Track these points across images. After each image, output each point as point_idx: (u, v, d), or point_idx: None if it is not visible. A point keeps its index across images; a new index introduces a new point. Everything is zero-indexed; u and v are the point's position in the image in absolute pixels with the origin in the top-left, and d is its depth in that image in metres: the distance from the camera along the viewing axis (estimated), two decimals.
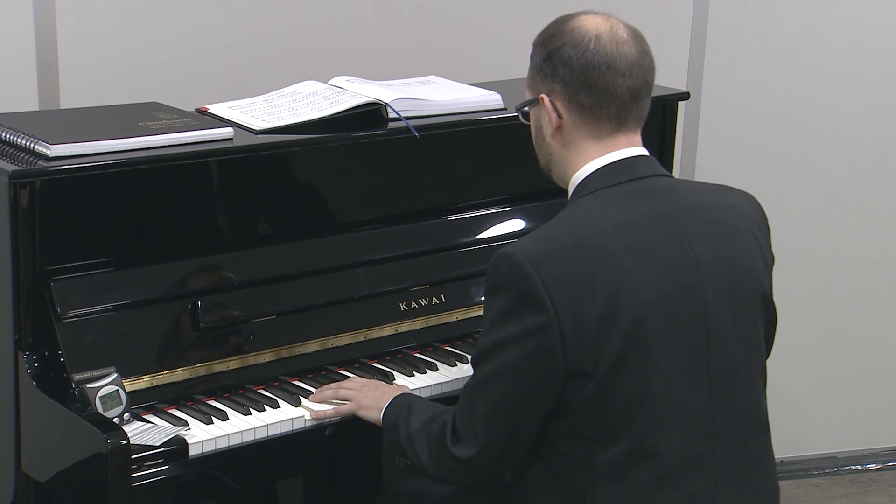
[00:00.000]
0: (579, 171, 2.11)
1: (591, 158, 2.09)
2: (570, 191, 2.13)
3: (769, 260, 2.18)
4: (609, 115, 2.07)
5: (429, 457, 2.13)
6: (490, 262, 2.03)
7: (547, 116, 2.11)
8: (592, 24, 2.08)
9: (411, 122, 2.63)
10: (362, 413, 2.32)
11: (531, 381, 1.99)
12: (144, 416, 2.30)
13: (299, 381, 2.48)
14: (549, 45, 2.10)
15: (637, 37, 2.10)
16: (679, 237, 2.04)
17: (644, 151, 2.12)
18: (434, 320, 2.67)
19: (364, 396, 2.33)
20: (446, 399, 2.36)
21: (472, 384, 2.07)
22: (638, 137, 2.12)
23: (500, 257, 2.00)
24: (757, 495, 2.11)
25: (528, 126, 2.21)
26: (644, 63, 2.09)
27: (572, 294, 1.95)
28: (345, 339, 2.57)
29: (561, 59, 2.07)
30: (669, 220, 2.05)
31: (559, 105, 2.09)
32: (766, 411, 2.14)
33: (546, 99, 2.10)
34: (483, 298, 2.64)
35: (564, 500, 2.05)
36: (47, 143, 2.30)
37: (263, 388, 2.44)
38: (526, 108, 2.18)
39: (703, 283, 2.04)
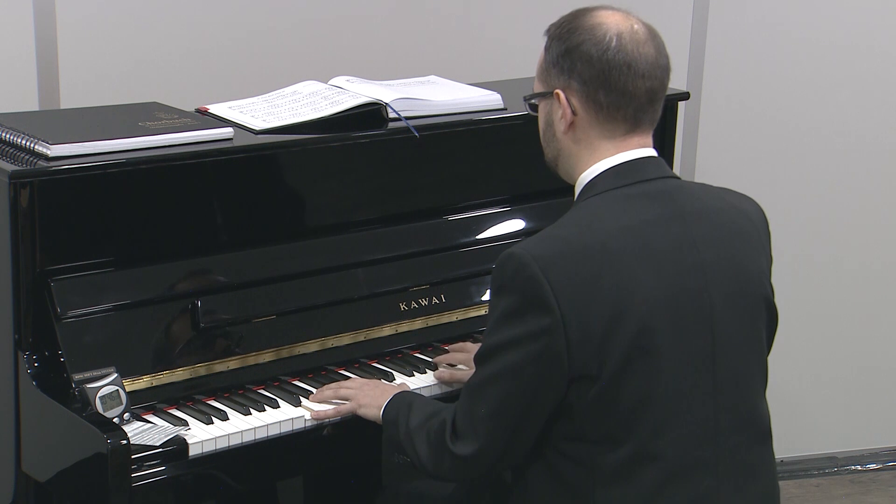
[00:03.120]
0: (588, 171, 2.09)
1: (601, 158, 2.08)
2: (578, 190, 2.11)
3: (770, 261, 2.18)
4: (625, 115, 2.06)
5: (428, 454, 2.12)
6: (497, 261, 2.02)
7: (560, 112, 2.08)
8: (613, 22, 2.06)
9: (411, 122, 2.62)
10: (362, 411, 2.32)
11: (534, 383, 1.98)
12: (144, 416, 2.30)
13: (299, 381, 2.48)
14: (568, 41, 2.06)
15: (655, 36, 2.08)
16: (686, 241, 2.03)
17: (653, 153, 2.11)
18: (434, 320, 2.67)
19: (363, 395, 2.33)
20: (446, 399, 2.36)
21: (474, 383, 2.07)
22: (649, 139, 2.11)
23: (507, 258, 1.99)
24: (758, 499, 2.11)
25: (529, 124, 2.19)
26: (661, 64, 2.07)
27: (579, 297, 1.94)
28: (345, 339, 2.57)
29: (581, 56, 2.04)
30: (677, 223, 2.04)
31: (575, 101, 2.07)
32: (769, 416, 2.14)
33: (562, 94, 2.07)
34: (483, 298, 2.67)
35: (566, 502, 2.04)
36: (47, 143, 2.30)
37: (263, 388, 2.44)
38: (535, 101, 2.15)
39: (709, 288, 2.03)
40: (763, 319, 2.11)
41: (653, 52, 2.06)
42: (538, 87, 2.14)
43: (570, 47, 2.05)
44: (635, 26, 2.06)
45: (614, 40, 2.03)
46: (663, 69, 2.08)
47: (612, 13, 2.08)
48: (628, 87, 2.04)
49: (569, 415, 2.00)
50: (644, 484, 2.00)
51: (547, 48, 2.11)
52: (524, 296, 1.96)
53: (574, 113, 2.07)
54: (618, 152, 2.07)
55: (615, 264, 1.97)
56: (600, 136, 2.07)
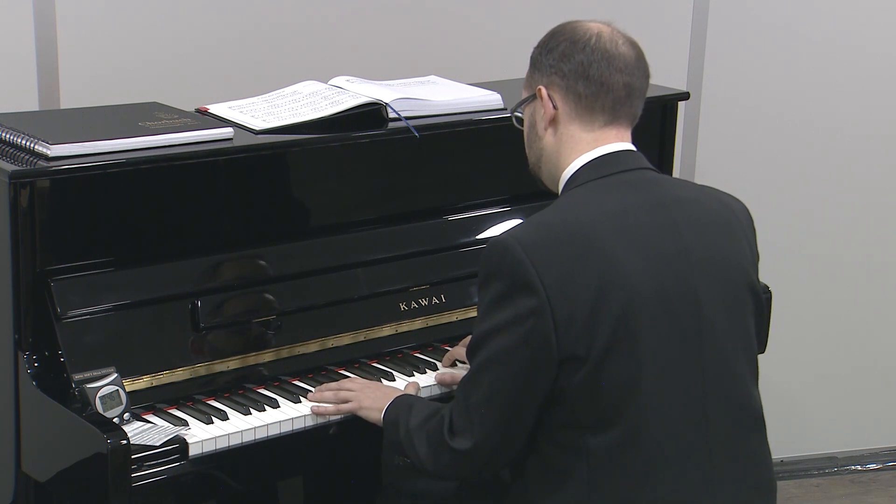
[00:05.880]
0: (569, 167, 2.14)
1: (581, 152, 2.13)
2: (561, 187, 2.16)
3: (756, 256, 2.19)
4: (603, 106, 2.11)
5: (427, 452, 2.13)
6: (483, 251, 2.05)
7: (542, 110, 2.15)
8: (594, 25, 2.15)
9: (411, 122, 2.63)
10: (363, 413, 2.32)
11: (524, 367, 2.00)
12: (144, 416, 2.30)
13: (299, 381, 2.48)
14: (550, 43, 2.16)
15: (635, 45, 2.16)
16: (670, 227, 2.07)
17: (632, 147, 2.16)
18: (434, 320, 2.67)
19: (365, 397, 2.34)
20: (446, 399, 2.36)
21: (467, 375, 2.09)
22: (628, 135, 2.16)
23: (493, 245, 2.03)
24: (753, 488, 2.12)
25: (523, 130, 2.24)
26: (640, 66, 2.15)
27: (564, 279, 1.97)
28: (345, 339, 2.57)
29: (562, 53, 2.13)
30: (659, 210, 2.08)
31: (556, 96, 2.14)
32: (761, 405, 2.15)
33: (543, 90, 2.14)
34: None
35: (561, 490, 2.05)
36: (47, 143, 2.30)
37: (263, 388, 2.44)
38: (519, 113, 2.23)
39: (693, 272, 2.06)
40: (749, 307, 2.13)
41: (632, 54, 2.14)
42: (523, 96, 2.22)
43: (552, 47, 2.15)
44: (616, 33, 2.15)
45: (594, 38, 2.13)
46: (642, 71, 2.15)
47: (594, 22, 2.17)
48: (606, 79, 2.11)
49: (561, 400, 2.02)
50: (636, 469, 2.01)
51: (532, 58, 2.20)
52: (510, 279, 1.99)
53: (555, 107, 2.14)
54: (597, 145, 2.13)
55: (598, 247, 2.00)
56: (580, 128, 2.13)
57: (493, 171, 2.86)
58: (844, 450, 4.03)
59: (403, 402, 2.25)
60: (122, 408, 2.24)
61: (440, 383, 2.49)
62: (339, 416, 2.36)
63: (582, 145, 2.13)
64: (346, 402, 2.36)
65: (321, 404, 2.36)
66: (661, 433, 2.02)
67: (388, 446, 2.25)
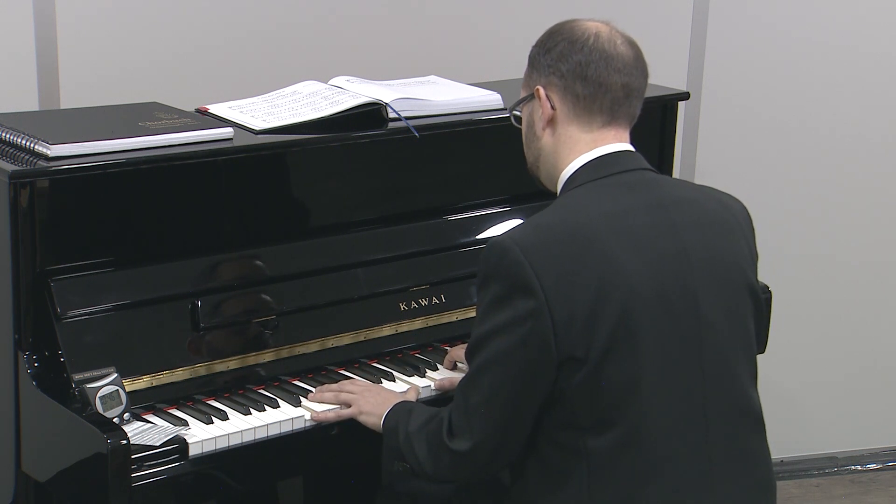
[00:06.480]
0: (568, 167, 2.14)
1: (580, 153, 2.13)
2: (559, 187, 2.16)
3: (755, 256, 2.19)
4: (602, 107, 2.11)
5: (427, 454, 2.13)
6: (482, 252, 2.05)
7: (540, 110, 2.15)
8: (592, 25, 2.14)
9: (411, 122, 2.63)
10: (362, 418, 2.32)
11: (524, 369, 2.00)
12: (144, 416, 2.30)
13: (299, 381, 2.48)
14: (548, 43, 2.16)
15: (634, 45, 2.16)
16: (668, 227, 2.07)
17: (630, 147, 2.16)
18: (434, 320, 2.67)
19: (365, 401, 2.33)
20: (445, 400, 2.36)
21: (466, 377, 2.09)
22: (626, 135, 2.16)
23: (491, 247, 2.03)
24: (753, 488, 2.12)
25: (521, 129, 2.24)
26: (639, 66, 2.15)
27: (562, 280, 1.97)
28: (345, 339, 2.57)
29: (560, 53, 2.12)
30: (658, 210, 2.08)
31: (554, 96, 2.14)
32: (760, 405, 2.15)
33: (541, 90, 2.14)
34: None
35: (561, 490, 2.05)
36: (47, 143, 2.30)
37: (263, 388, 2.44)
38: (517, 112, 2.22)
39: (692, 272, 2.06)
40: (748, 307, 2.13)
41: (630, 54, 2.14)
42: (521, 95, 2.22)
43: (550, 47, 2.15)
44: (614, 32, 2.15)
45: (592, 38, 2.12)
46: (641, 71, 2.15)
47: (593, 21, 2.16)
48: (604, 80, 2.11)
49: (560, 400, 2.02)
50: (636, 469, 2.01)
51: (530, 57, 2.20)
52: (509, 281, 1.99)
53: (553, 108, 2.14)
54: (595, 146, 2.13)
55: (597, 247, 2.00)
56: (578, 129, 2.13)
57: (493, 171, 2.86)
58: (844, 450, 4.03)
59: (403, 409, 2.25)
60: (122, 408, 2.24)
61: (439, 389, 2.48)
62: (338, 420, 2.36)
63: (580, 146, 2.13)
64: (346, 404, 2.35)
65: (320, 410, 2.36)
66: (661, 434, 2.02)
67: (388, 452, 2.25)
